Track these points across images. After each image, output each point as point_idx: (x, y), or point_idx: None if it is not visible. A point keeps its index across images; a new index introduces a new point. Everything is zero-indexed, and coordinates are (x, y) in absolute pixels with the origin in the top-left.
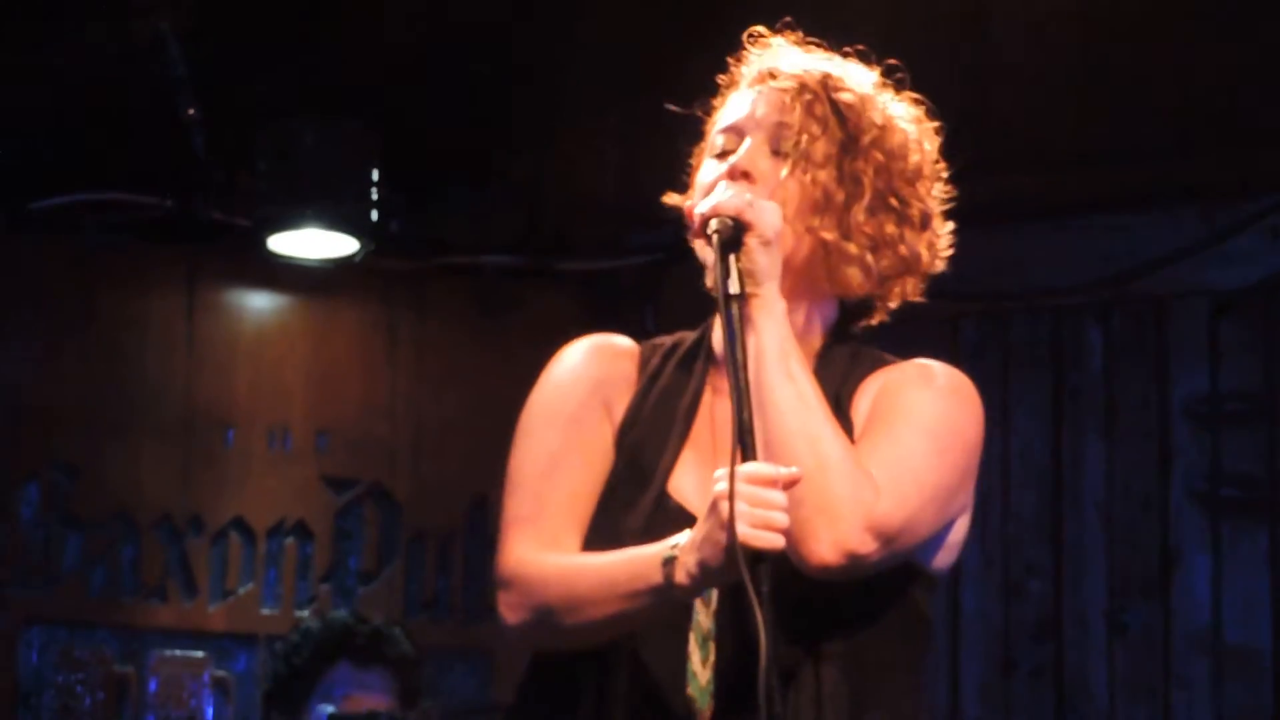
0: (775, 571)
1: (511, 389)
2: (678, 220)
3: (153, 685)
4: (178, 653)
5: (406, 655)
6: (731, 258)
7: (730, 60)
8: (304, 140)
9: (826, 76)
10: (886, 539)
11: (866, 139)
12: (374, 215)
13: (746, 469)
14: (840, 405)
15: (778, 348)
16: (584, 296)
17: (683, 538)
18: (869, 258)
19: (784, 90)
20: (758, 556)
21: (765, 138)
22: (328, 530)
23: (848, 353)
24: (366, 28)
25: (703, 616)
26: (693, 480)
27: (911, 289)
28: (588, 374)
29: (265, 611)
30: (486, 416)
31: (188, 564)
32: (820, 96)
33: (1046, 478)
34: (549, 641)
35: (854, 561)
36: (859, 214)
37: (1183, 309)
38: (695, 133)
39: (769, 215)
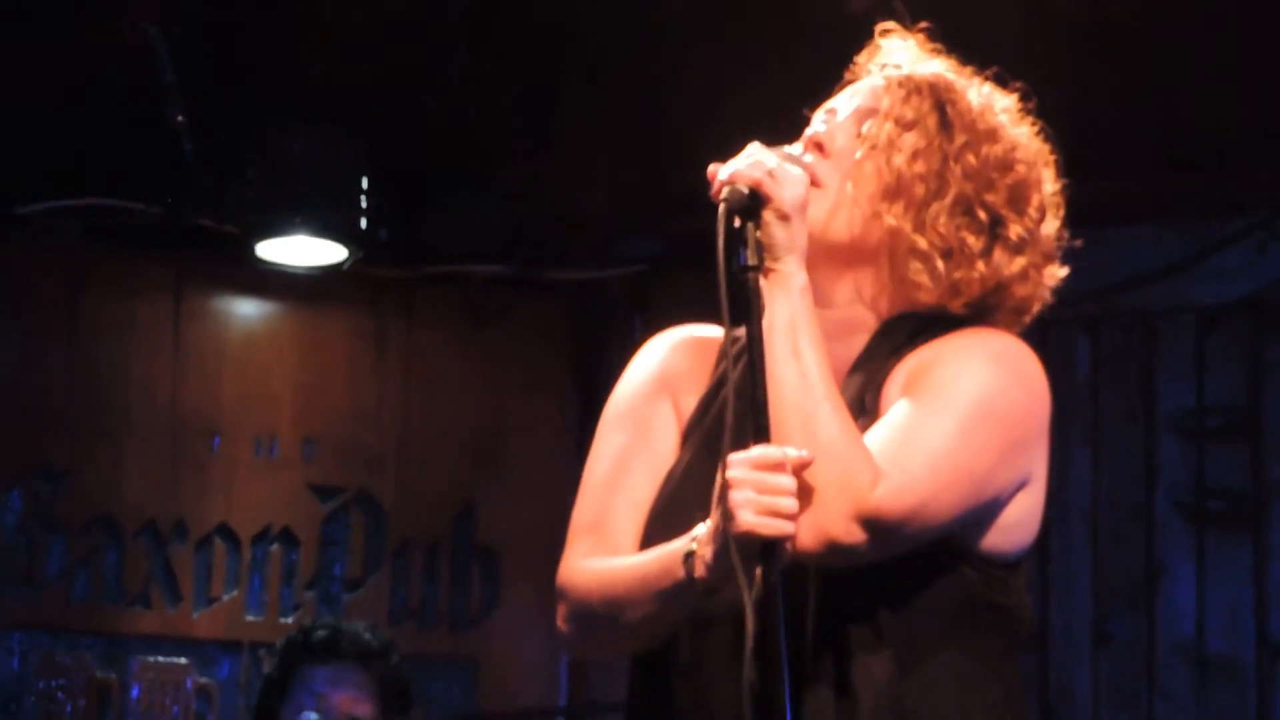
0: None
1: (499, 398)
2: (666, 229)
3: (135, 692)
4: (161, 659)
5: (370, 648)
6: (749, 228)
7: (860, 56)
8: (293, 147)
9: (939, 77)
10: (883, 529)
11: (961, 140)
12: (363, 223)
13: (752, 454)
14: (869, 402)
15: (786, 323)
16: (573, 305)
17: (701, 529)
18: (939, 262)
19: (889, 80)
20: (768, 544)
21: (855, 119)
22: (313, 537)
23: (915, 324)
24: (357, 35)
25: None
26: None
27: (1004, 320)
28: (659, 369)
29: (249, 618)
30: (474, 425)
31: (171, 570)
32: (924, 92)
33: None
34: (598, 649)
35: (839, 551)
36: (937, 213)
37: (1169, 324)
38: (687, 144)
39: (790, 187)
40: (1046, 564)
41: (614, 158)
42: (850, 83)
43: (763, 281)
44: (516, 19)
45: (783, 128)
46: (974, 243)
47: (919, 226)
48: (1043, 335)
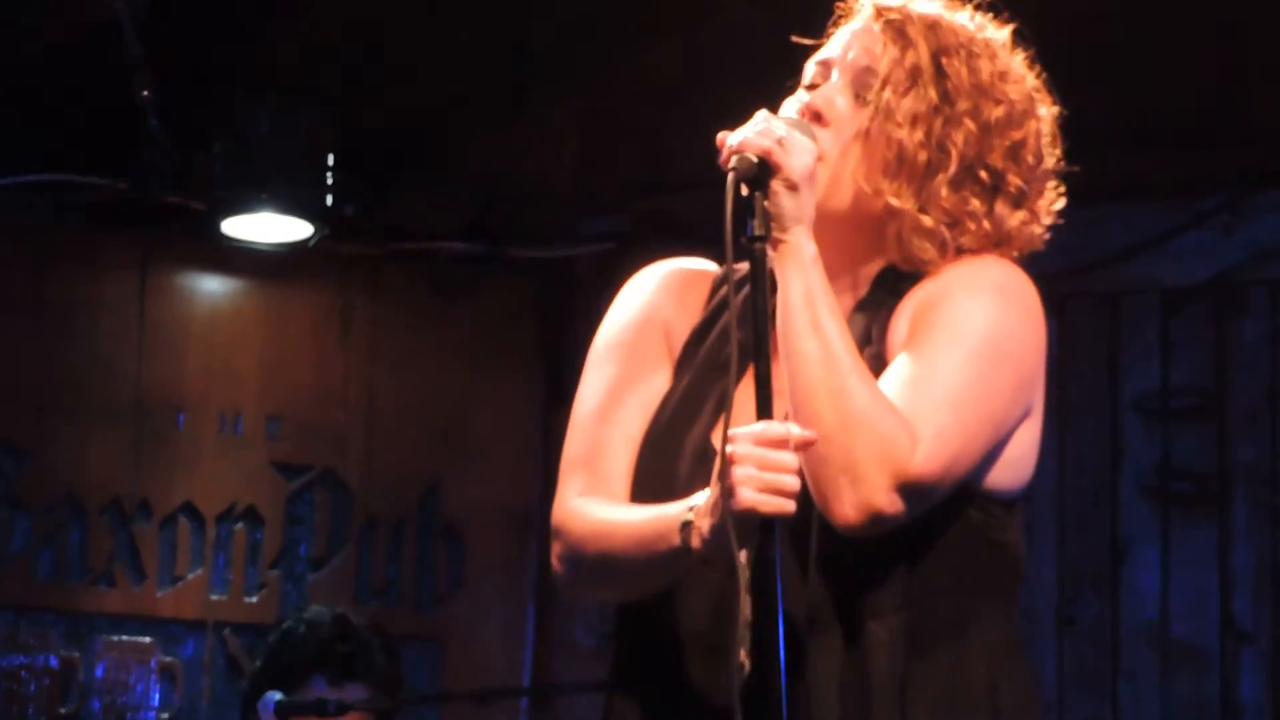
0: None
1: (466, 376)
2: (634, 207)
3: (99, 670)
4: (124, 638)
5: (386, 676)
6: (757, 197)
7: None
8: (259, 124)
9: (936, 23)
10: (922, 493)
11: (964, 104)
12: (329, 200)
13: (755, 429)
14: (875, 334)
15: (802, 297)
16: (539, 283)
17: (700, 498)
18: (946, 232)
19: (883, 33)
20: (768, 521)
21: (850, 80)
22: (278, 516)
23: (898, 277)
24: (322, 11)
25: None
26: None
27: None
28: (650, 301)
29: (214, 597)
30: (440, 403)
31: (136, 549)
32: (919, 46)
33: None
34: (592, 594)
35: (881, 521)
36: (941, 185)
37: (1135, 304)
38: (651, 121)
39: (799, 157)
40: None
41: (581, 135)
42: (844, 17)
43: (770, 252)
44: None
45: (748, 109)
46: (977, 205)
47: (924, 204)
48: None
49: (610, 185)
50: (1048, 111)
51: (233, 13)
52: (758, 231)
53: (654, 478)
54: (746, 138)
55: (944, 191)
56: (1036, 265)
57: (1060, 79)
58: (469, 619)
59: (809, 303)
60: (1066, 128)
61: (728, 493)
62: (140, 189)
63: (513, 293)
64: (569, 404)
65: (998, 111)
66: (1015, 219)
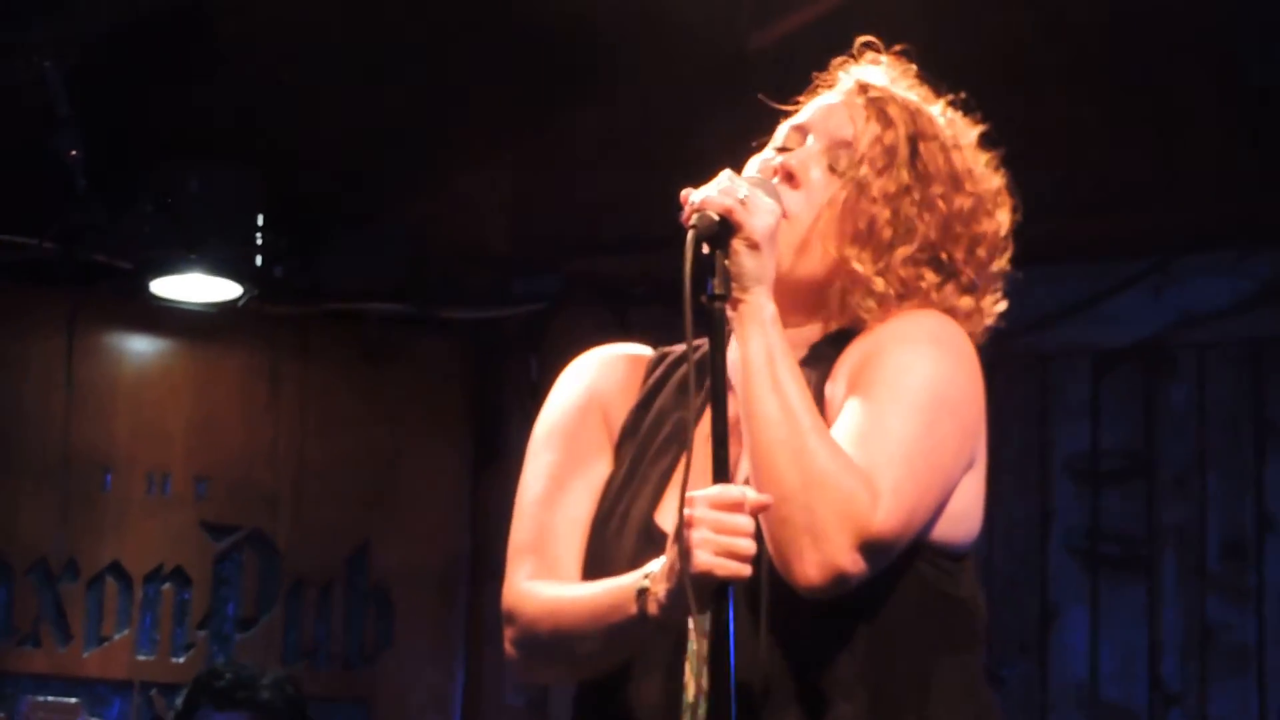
0: (772, 578)
1: (394, 437)
2: (564, 268)
3: None
4: (50, 698)
5: (268, 703)
6: (718, 255)
7: (834, 63)
8: (188, 184)
9: (917, 111)
10: (883, 549)
11: (935, 189)
12: (258, 260)
13: (710, 493)
14: (820, 375)
15: (763, 356)
16: (468, 344)
17: (656, 565)
18: (893, 301)
19: (865, 110)
20: (723, 585)
21: (826, 148)
22: (206, 576)
23: (836, 336)
24: (252, 71)
25: (694, 642)
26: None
27: None
28: (588, 387)
29: (141, 658)
30: (369, 464)
31: (62, 609)
32: (898, 127)
33: None
34: (548, 675)
35: (844, 580)
36: (900, 258)
37: (1064, 367)
38: (582, 182)
39: (760, 217)
40: None
41: (512, 196)
42: (820, 87)
43: (729, 312)
44: (413, 60)
45: (680, 171)
46: (931, 279)
47: (881, 270)
48: None
49: (541, 246)
50: (1006, 217)
51: (161, 73)
52: (717, 290)
53: (601, 560)
54: (709, 196)
55: (902, 264)
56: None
57: (993, 143)
58: (397, 680)
59: (769, 363)
60: None
61: (684, 555)
62: (68, 248)
63: (442, 353)
64: (498, 465)
65: (965, 203)
66: (962, 303)
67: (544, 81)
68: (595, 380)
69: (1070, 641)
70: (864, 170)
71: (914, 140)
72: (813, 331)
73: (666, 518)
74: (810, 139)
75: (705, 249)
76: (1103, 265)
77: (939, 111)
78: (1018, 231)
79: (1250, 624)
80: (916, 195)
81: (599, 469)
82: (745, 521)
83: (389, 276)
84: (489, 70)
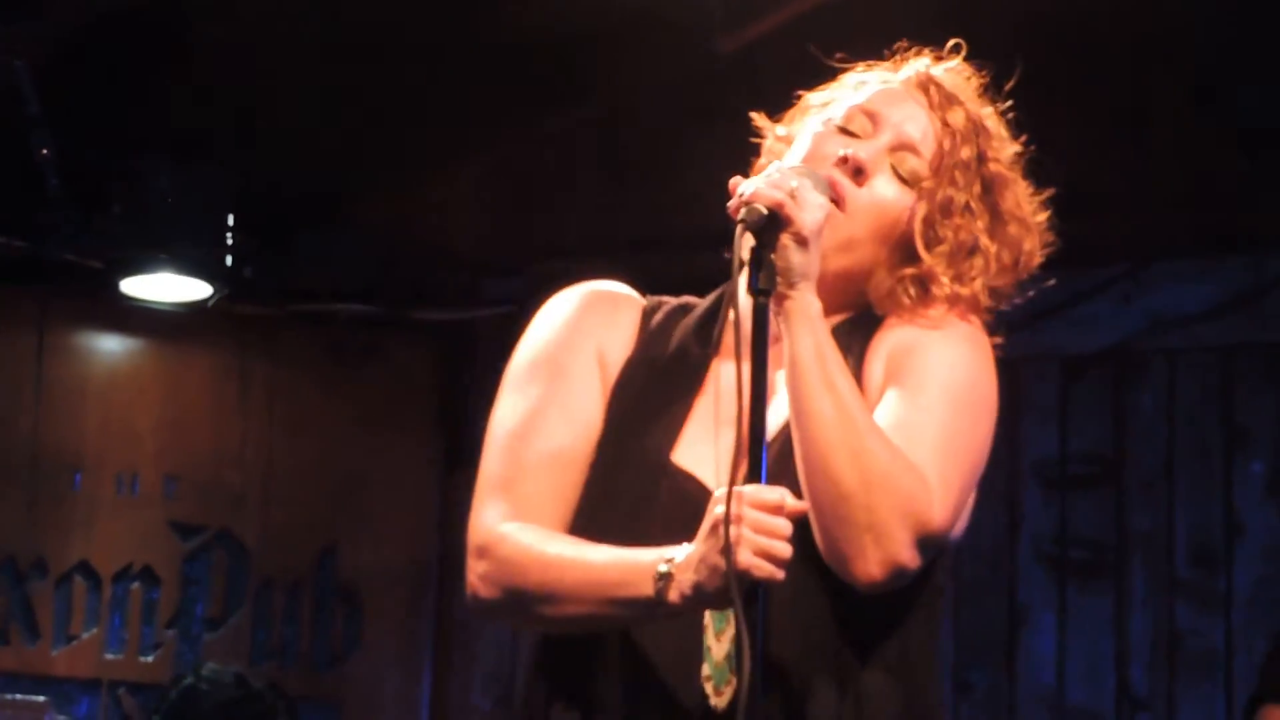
0: (804, 570)
1: (363, 437)
2: (533, 269)
3: None
4: (19, 697)
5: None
6: (765, 250)
7: (900, 46)
8: (158, 183)
9: (983, 130)
10: (937, 544)
11: (998, 226)
12: (228, 260)
13: (752, 493)
14: (851, 356)
15: (814, 353)
16: (438, 345)
17: (678, 552)
18: (939, 293)
19: (933, 112)
20: (756, 585)
21: (892, 146)
22: (174, 576)
23: (863, 322)
24: (223, 71)
25: (730, 638)
26: (695, 453)
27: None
28: (582, 322)
29: (109, 656)
30: (338, 464)
31: (31, 607)
32: (969, 148)
33: None
34: (519, 624)
35: (903, 575)
36: (939, 265)
37: (1034, 371)
38: (551, 184)
39: (811, 212)
40: None
41: (481, 198)
42: (897, 59)
43: (772, 307)
44: (382, 60)
45: (649, 173)
46: (979, 287)
47: (920, 276)
48: None
49: (510, 248)
50: (1041, 235)
51: (133, 72)
52: (762, 285)
53: (602, 497)
54: (759, 188)
55: (941, 270)
56: None
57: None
58: (365, 680)
59: (820, 361)
60: None
61: (727, 552)
62: (39, 247)
63: (411, 354)
64: (467, 466)
65: (1014, 231)
66: (976, 300)
67: (513, 85)
68: (590, 317)
69: (1038, 647)
70: (932, 185)
71: (981, 160)
72: (839, 317)
73: (685, 456)
74: (883, 134)
75: (752, 242)
76: (1073, 271)
77: (991, 120)
78: None
79: (1218, 630)
80: (976, 229)
81: (586, 407)
82: (785, 525)
83: (358, 277)
84: (458, 73)
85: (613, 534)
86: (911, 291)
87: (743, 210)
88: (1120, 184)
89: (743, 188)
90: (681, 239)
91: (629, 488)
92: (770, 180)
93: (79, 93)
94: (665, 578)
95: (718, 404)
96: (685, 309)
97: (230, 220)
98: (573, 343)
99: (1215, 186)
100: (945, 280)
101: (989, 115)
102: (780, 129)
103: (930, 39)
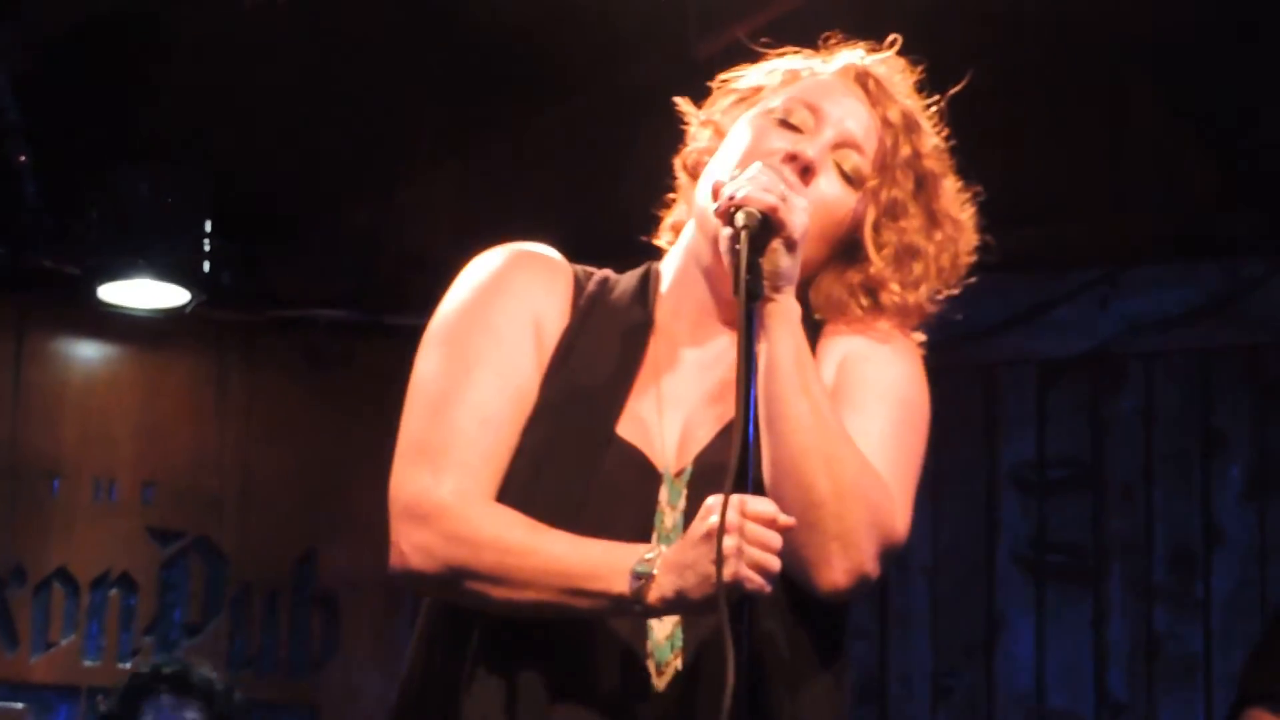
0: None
1: (342, 444)
2: None
3: None
4: None
5: (214, 688)
6: (755, 253)
7: (830, 37)
8: (136, 189)
9: (916, 126)
10: (895, 554)
11: (937, 238)
12: (206, 266)
13: (749, 505)
14: None
15: (793, 358)
16: (415, 350)
17: (654, 551)
18: (882, 311)
19: (883, 120)
20: (744, 596)
21: (835, 143)
22: (152, 582)
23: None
24: (200, 78)
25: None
26: (637, 428)
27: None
28: (516, 285)
29: (88, 663)
30: (316, 471)
31: (9, 614)
32: (907, 147)
33: None
34: (455, 599)
35: (867, 585)
36: (887, 270)
37: (1011, 376)
38: (528, 188)
39: (799, 215)
40: (886, 615)
41: (458, 202)
42: (832, 48)
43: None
44: (360, 69)
45: (627, 178)
46: (913, 304)
47: (860, 278)
48: None
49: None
50: (966, 259)
51: (110, 78)
52: (753, 289)
53: (538, 465)
54: (750, 192)
55: (877, 271)
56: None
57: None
58: (343, 686)
59: (799, 365)
60: None
61: (718, 561)
62: (16, 253)
63: (389, 360)
64: None
65: (962, 249)
66: (928, 310)
67: (490, 90)
68: (525, 281)
69: (1016, 651)
70: (877, 185)
71: (916, 156)
72: None
73: (628, 430)
74: (821, 126)
75: (740, 245)
76: (1050, 275)
77: (926, 123)
78: None
79: (1197, 634)
80: (919, 223)
81: (522, 371)
82: (775, 538)
83: (336, 283)
84: (435, 78)
85: (545, 502)
86: (864, 302)
87: (740, 216)
88: (1096, 188)
89: (730, 189)
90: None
91: (568, 456)
92: (760, 183)
93: (56, 99)
94: (644, 577)
95: (658, 382)
96: (609, 281)
97: (207, 226)
98: (507, 306)
99: (1190, 190)
100: (896, 287)
101: (920, 110)
102: (702, 114)
103: (906, 41)
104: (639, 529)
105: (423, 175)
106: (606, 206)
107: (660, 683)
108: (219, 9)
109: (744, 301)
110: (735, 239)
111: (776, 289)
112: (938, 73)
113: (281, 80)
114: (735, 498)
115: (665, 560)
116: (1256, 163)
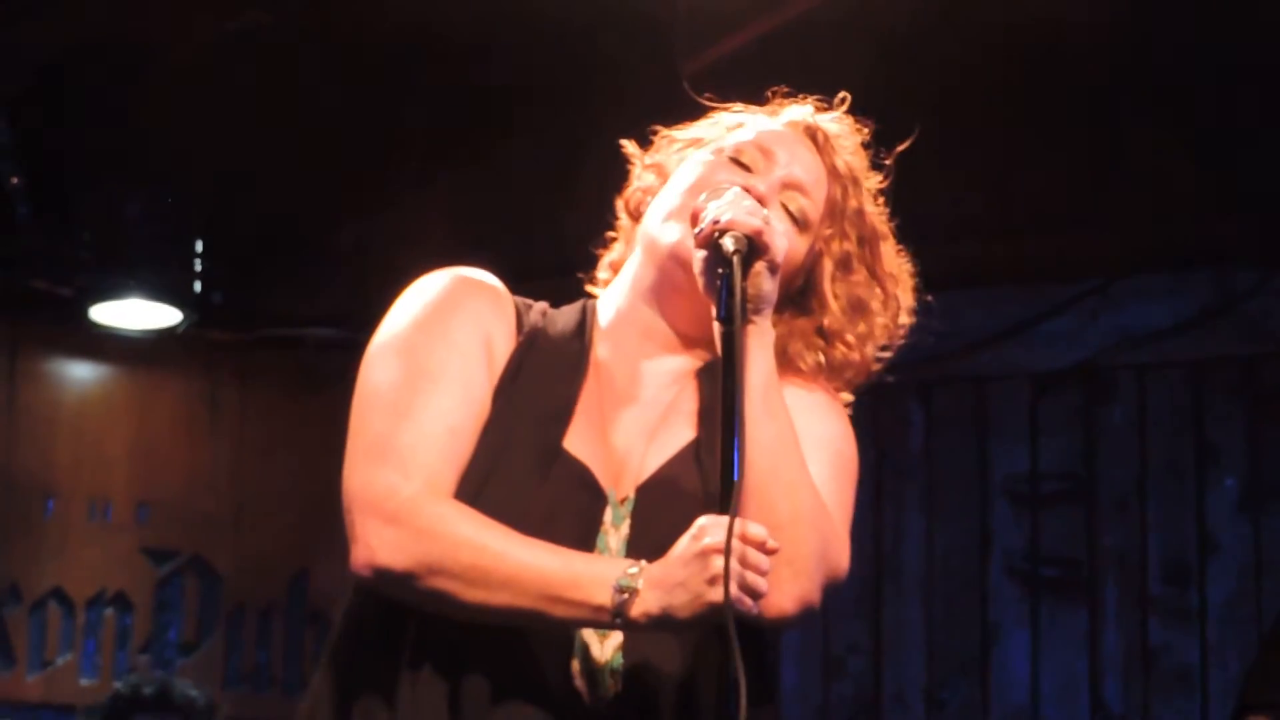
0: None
1: (334, 462)
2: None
3: None
4: None
5: (196, 705)
6: (737, 276)
7: (778, 91)
8: (128, 211)
9: (859, 184)
10: (833, 590)
11: (878, 298)
12: (197, 286)
13: (746, 529)
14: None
15: (764, 382)
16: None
17: (637, 567)
18: (822, 347)
19: (831, 170)
20: (727, 619)
21: (783, 184)
22: (148, 601)
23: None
24: (192, 99)
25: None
26: (583, 444)
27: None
28: (469, 305)
29: (83, 682)
30: (309, 490)
31: (5, 633)
32: (856, 198)
33: (867, 555)
34: (416, 599)
35: (809, 614)
36: (839, 323)
37: (1003, 389)
38: (520, 208)
39: (781, 239)
40: (880, 628)
41: (450, 221)
42: (785, 100)
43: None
44: (351, 88)
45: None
46: (853, 344)
47: (801, 326)
48: (876, 401)
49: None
50: (905, 321)
51: (102, 102)
52: (738, 313)
53: (485, 477)
54: (735, 216)
55: (851, 324)
56: (905, 350)
57: (927, 167)
58: None
59: (769, 390)
60: (936, 213)
61: (711, 580)
62: (8, 275)
63: None
64: None
65: (902, 308)
66: (846, 361)
67: (480, 109)
68: (477, 303)
69: (1011, 664)
70: (830, 234)
71: (860, 214)
72: (698, 356)
73: (574, 445)
74: (771, 166)
75: (720, 270)
76: (1041, 287)
77: (870, 183)
78: (957, 252)
79: (1193, 646)
80: (862, 277)
81: (478, 384)
82: (767, 562)
83: (327, 301)
84: (426, 98)
85: (490, 511)
86: (817, 355)
87: (729, 239)
88: (1086, 201)
89: (713, 213)
90: None
91: (515, 468)
92: (743, 207)
93: (48, 121)
94: (628, 591)
95: (601, 408)
96: (548, 314)
97: (199, 247)
98: (465, 323)
99: (1181, 202)
100: (851, 338)
101: (864, 170)
102: (648, 159)
103: (898, 61)
104: (580, 545)
105: (413, 194)
106: (598, 227)
107: (596, 704)
108: (208, 32)
109: (740, 323)
110: (719, 262)
111: (757, 311)
112: (926, 91)
113: (272, 102)
114: (737, 521)
115: (651, 576)
116: (1247, 174)
